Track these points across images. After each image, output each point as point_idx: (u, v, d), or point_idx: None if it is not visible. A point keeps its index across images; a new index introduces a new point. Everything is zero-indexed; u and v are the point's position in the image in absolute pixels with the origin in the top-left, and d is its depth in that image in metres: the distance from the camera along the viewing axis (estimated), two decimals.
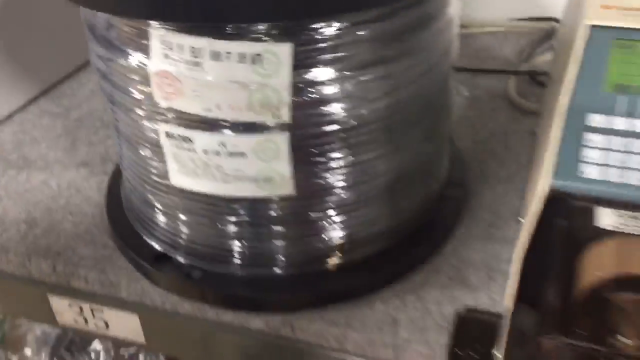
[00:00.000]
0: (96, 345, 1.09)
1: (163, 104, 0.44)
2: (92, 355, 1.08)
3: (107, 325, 0.57)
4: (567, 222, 0.35)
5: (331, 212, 0.51)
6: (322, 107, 0.45)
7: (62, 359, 1.08)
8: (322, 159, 0.47)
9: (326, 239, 0.52)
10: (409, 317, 0.50)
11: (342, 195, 0.50)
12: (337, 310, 0.51)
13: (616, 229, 0.34)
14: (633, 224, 0.34)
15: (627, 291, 0.33)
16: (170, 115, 0.45)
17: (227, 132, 0.44)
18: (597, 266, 0.34)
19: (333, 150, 0.47)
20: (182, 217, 0.52)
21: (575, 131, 0.37)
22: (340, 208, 0.51)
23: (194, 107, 0.43)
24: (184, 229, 0.53)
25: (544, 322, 0.31)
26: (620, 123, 0.37)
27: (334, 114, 0.45)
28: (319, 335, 0.51)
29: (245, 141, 0.44)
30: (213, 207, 0.50)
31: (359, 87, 0.45)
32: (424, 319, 0.50)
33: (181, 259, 0.54)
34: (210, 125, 0.44)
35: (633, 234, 0.34)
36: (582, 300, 0.34)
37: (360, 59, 0.45)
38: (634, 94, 0.38)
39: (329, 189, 0.49)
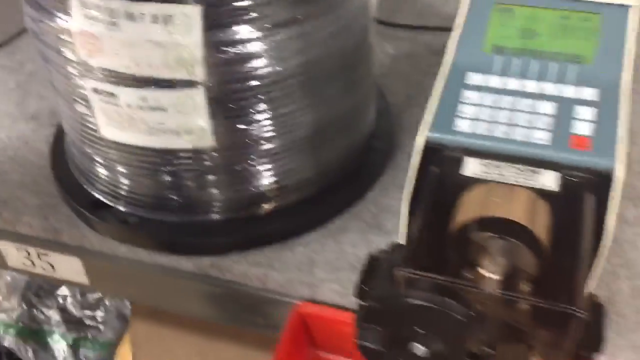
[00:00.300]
0: (64, 290, 1.14)
1: (87, 61, 0.47)
2: (60, 300, 1.13)
3: (52, 267, 0.61)
4: (440, 169, 0.39)
5: (257, 162, 0.54)
6: (240, 65, 0.48)
7: (31, 304, 1.13)
8: (244, 113, 0.51)
9: (254, 187, 0.56)
10: (325, 259, 0.55)
11: (267, 146, 0.54)
12: (261, 253, 0.56)
13: (480, 177, 0.38)
14: (496, 172, 0.38)
15: (487, 231, 0.37)
16: (96, 72, 0.48)
17: (148, 88, 0.47)
18: (466, 209, 0.39)
19: (253, 105, 0.51)
20: (118, 167, 0.56)
21: (455, 88, 0.41)
22: (266, 158, 0.54)
23: (114, 64, 0.46)
24: (121, 179, 0.56)
25: (405, 257, 0.35)
26: (494, 81, 0.41)
27: (252, 70, 0.49)
28: (243, 276, 0.55)
29: (165, 96, 0.47)
30: (146, 158, 0.54)
31: (276, 45, 0.49)
32: (340, 260, 0.55)
33: (120, 207, 0.58)
34: (132, 81, 0.47)
35: (495, 181, 0.38)
36: (452, 239, 0.39)
37: (275, 18, 0.48)
38: (508, 55, 0.42)
39: (253, 140, 0.53)
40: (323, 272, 0.54)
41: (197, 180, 0.55)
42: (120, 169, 0.55)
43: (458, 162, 0.39)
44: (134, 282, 0.60)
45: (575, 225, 0.36)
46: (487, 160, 0.39)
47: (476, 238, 0.38)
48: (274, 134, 0.53)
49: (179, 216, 0.57)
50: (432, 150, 0.40)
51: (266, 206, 0.57)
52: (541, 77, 0.40)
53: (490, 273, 0.37)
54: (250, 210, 0.57)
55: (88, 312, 1.13)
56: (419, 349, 0.34)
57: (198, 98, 0.48)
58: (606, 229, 0.39)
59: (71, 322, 1.12)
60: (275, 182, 0.56)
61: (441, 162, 0.39)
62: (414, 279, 0.34)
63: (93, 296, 1.12)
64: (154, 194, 0.56)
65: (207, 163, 0.53)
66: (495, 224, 0.37)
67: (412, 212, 0.42)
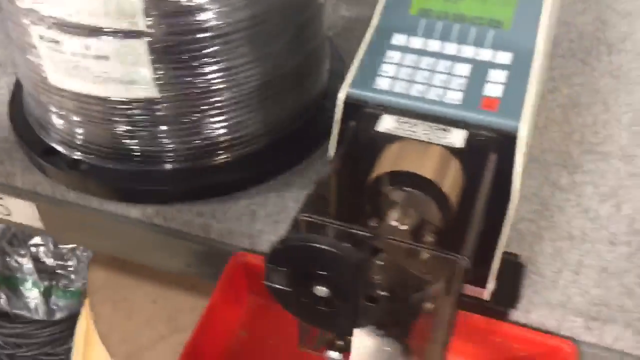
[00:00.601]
0: (37, 240, 1.16)
1: (33, 8, 0.49)
2: (32, 249, 1.16)
3: (9, 212, 0.63)
4: (357, 125, 0.41)
5: (205, 114, 0.56)
6: (185, 17, 0.50)
7: (4, 252, 1.16)
8: (190, 65, 0.52)
9: (202, 139, 0.57)
10: (267, 212, 0.57)
11: (214, 98, 0.55)
12: (205, 204, 0.58)
13: (394, 133, 0.40)
14: (409, 129, 0.40)
15: (397, 184, 0.39)
16: (42, 20, 0.49)
17: (91, 36, 0.49)
18: (380, 164, 0.40)
19: (200, 57, 0.52)
20: (70, 116, 0.57)
21: (379, 48, 0.43)
22: (214, 111, 0.56)
23: (58, 12, 0.48)
24: (73, 128, 0.58)
25: (306, 202, 0.37)
26: (417, 43, 0.43)
27: (197, 23, 0.50)
28: (187, 225, 0.57)
29: (107, 46, 0.49)
30: (95, 107, 0.55)
31: None
32: (280, 213, 0.57)
33: (72, 154, 0.59)
34: (76, 29, 0.48)
35: (408, 138, 0.40)
36: (366, 191, 0.41)
37: None
38: (433, 18, 0.43)
39: (200, 92, 0.54)
40: (263, 224, 0.56)
41: (145, 131, 0.56)
42: (72, 117, 0.57)
43: (375, 118, 0.41)
44: (85, 228, 0.62)
45: (478, 182, 0.38)
46: (401, 118, 0.40)
47: (387, 191, 0.40)
48: (221, 86, 0.55)
49: (129, 165, 0.59)
50: (352, 106, 0.41)
51: (214, 159, 0.59)
52: (461, 40, 0.42)
53: (398, 223, 0.39)
54: (199, 161, 0.59)
55: (60, 262, 1.16)
56: (321, 290, 0.36)
57: (141, 49, 0.49)
58: (513, 188, 0.41)
59: (43, 271, 1.16)
60: (224, 134, 0.58)
61: (360, 117, 0.41)
62: (318, 224, 0.36)
63: (66, 246, 1.15)
64: (105, 143, 0.58)
65: (154, 114, 0.55)
66: (405, 178, 0.39)
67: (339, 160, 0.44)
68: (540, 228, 0.54)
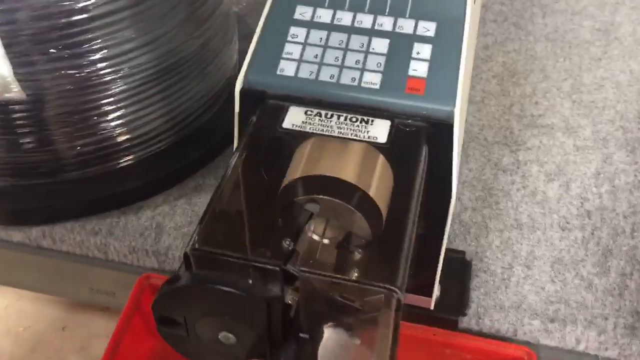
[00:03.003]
0: None
1: None
2: None
3: None
4: (258, 120, 0.33)
5: (94, 112, 0.47)
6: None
7: None
8: (66, 55, 0.44)
9: (89, 143, 0.49)
10: (175, 224, 0.49)
11: (103, 93, 0.47)
12: (101, 219, 0.49)
13: (303, 130, 0.33)
14: (322, 124, 0.33)
15: (313, 192, 0.32)
16: None
17: None
18: (291, 169, 0.33)
19: (78, 45, 0.44)
20: None
21: (281, 25, 0.35)
22: (105, 107, 0.47)
23: None
24: None
25: (201, 232, 0.29)
26: (325, 15, 0.35)
27: (70, 2, 0.41)
28: (81, 246, 0.49)
29: None
30: None
31: None
32: (191, 224, 0.49)
33: None
34: None
35: (323, 135, 0.33)
36: (278, 202, 0.33)
37: None
38: None
39: (85, 87, 0.46)
40: (171, 238, 0.48)
41: (13, 137, 0.47)
42: None
43: (280, 112, 0.33)
44: None
45: (408, 181, 0.31)
46: (311, 109, 0.33)
47: (301, 201, 0.33)
48: (108, 78, 0.46)
49: (2, 180, 0.49)
50: (251, 97, 0.34)
51: (109, 164, 0.50)
52: (376, 9, 0.34)
53: (318, 237, 0.32)
54: (90, 170, 0.50)
55: None
56: (226, 337, 0.29)
57: None
58: (452, 183, 0.34)
59: None
60: (119, 135, 0.49)
61: (262, 111, 0.33)
62: (215, 258, 0.28)
63: None
64: None
65: (24, 117, 0.46)
66: (322, 183, 0.32)
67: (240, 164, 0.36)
68: (485, 217, 0.48)
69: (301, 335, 0.29)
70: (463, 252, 0.46)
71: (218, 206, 0.31)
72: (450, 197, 0.35)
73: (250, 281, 0.27)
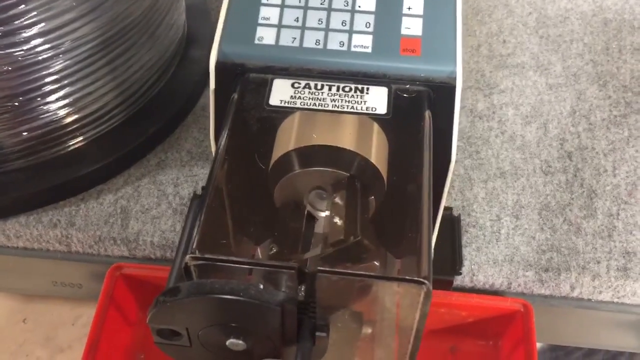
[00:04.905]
0: None
1: None
2: None
3: None
4: (240, 97, 0.30)
5: (36, 93, 0.42)
6: None
7: None
8: (3, 30, 0.39)
9: (37, 126, 0.44)
10: (141, 206, 0.45)
11: (44, 72, 0.42)
12: (59, 208, 0.45)
13: (293, 105, 0.29)
14: (311, 97, 0.30)
15: (304, 165, 0.29)
16: None
17: None
18: (282, 142, 0.30)
19: (8, 21, 0.38)
20: None
21: None
22: (48, 86, 0.43)
23: None
24: None
25: (198, 239, 0.26)
26: None
27: None
28: (39, 240, 0.45)
29: None
30: None
31: None
32: (160, 205, 0.46)
33: None
34: None
35: (313, 109, 0.30)
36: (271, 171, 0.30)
37: None
38: None
39: (22, 67, 0.41)
40: (140, 223, 0.44)
41: None
42: None
43: (264, 86, 0.30)
44: None
45: (419, 159, 0.29)
46: (298, 80, 0.30)
47: (298, 175, 0.30)
48: (47, 55, 0.41)
49: None
50: (228, 72, 0.30)
51: (60, 147, 0.46)
52: None
53: (326, 227, 0.29)
54: (40, 155, 0.45)
55: None
56: (236, 344, 0.26)
57: None
58: (452, 146, 0.32)
59: None
60: (68, 115, 0.45)
61: (243, 87, 0.30)
62: (216, 265, 0.25)
63: None
64: None
65: None
66: (318, 154, 0.29)
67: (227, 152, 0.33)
68: (468, 168, 0.47)
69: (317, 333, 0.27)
70: (450, 208, 0.44)
71: (212, 207, 0.28)
72: (450, 159, 0.32)
73: (261, 286, 0.24)
